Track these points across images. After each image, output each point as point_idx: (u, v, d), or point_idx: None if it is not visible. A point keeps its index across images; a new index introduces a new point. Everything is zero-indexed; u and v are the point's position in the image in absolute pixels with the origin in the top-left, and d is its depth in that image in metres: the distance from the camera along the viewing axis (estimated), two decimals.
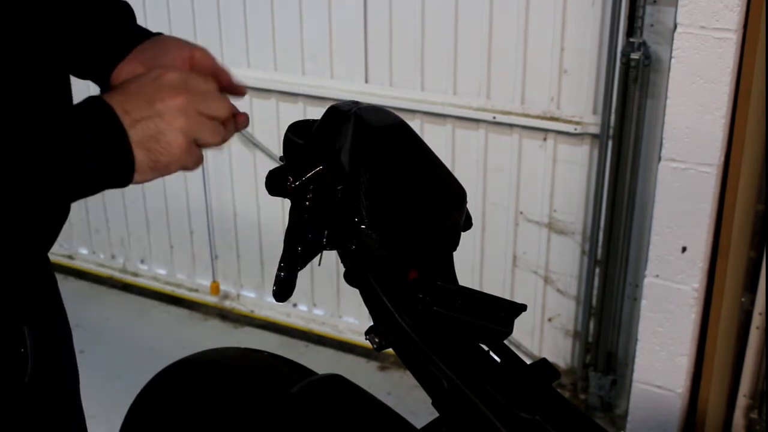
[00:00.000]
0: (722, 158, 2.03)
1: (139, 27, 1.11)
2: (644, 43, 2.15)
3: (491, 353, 0.93)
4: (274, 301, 1.02)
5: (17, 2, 0.89)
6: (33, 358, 0.99)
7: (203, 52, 1.03)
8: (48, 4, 0.95)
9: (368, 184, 0.91)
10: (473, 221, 1.02)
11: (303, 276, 0.95)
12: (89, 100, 0.83)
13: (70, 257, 3.42)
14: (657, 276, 2.16)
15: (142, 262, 3.28)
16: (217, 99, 0.90)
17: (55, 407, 1.09)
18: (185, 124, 0.85)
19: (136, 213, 3.17)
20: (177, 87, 0.86)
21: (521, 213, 2.53)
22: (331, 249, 0.96)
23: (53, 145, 0.79)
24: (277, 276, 0.95)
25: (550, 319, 2.60)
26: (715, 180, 2.04)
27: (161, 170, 0.86)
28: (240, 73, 3.13)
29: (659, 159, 2.08)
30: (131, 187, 0.85)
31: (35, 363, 0.99)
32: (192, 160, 0.88)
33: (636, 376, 2.29)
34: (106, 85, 1.06)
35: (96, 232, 3.33)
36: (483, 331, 0.93)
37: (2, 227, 0.82)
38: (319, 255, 0.97)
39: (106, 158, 0.81)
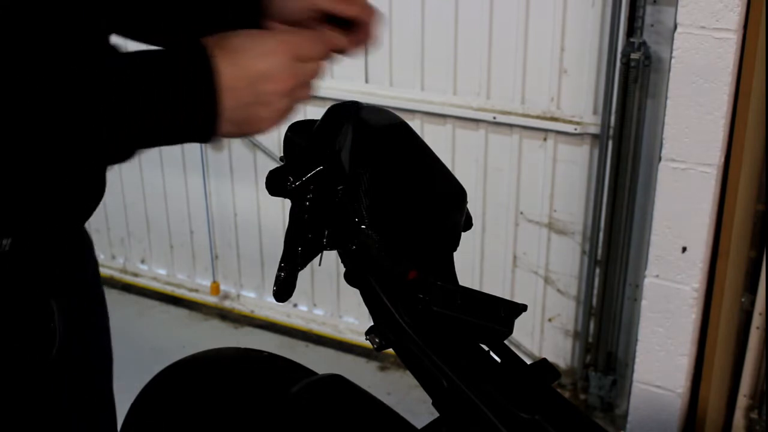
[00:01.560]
0: (722, 158, 2.03)
1: None
2: (644, 43, 2.15)
3: (491, 353, 0.93)
4: (274, 301, 1.02)
5: None
6: (61, 333, 0.97)
7: None
8: None
9: (368, 184, 0.91)
10: (473, 221, 1.02)
11: (303, 276, 0.95)
12: (194, 52, 0.76)
13: None
14: (657, 276, 2.16)
15: (142, 262, 3.28)
16: (320, 66, 0.84)
17: (82, 385, 1.06)
18: (287, 104, 0.81)
19: (137, 213, 3.17)
20: (287, 69, 0.79)
21: (521, 213, 2.53)
22: (331, 249, 0.96)
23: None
24: (278, 276, 0.95)
25: (550, 319, 2.60)
26: (715, 180, 2.04)
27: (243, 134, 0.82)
28: None
29: (659, 159, 2.08)
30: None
31: (63, 338, 0.97)
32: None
33: (636, 376, 2.29)
34: None
35: (96, 232, 3.33)
36: (483, 331, 0.93)
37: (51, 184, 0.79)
38: (319, 255, 0.97)
39: (190, 114, 0.75)
